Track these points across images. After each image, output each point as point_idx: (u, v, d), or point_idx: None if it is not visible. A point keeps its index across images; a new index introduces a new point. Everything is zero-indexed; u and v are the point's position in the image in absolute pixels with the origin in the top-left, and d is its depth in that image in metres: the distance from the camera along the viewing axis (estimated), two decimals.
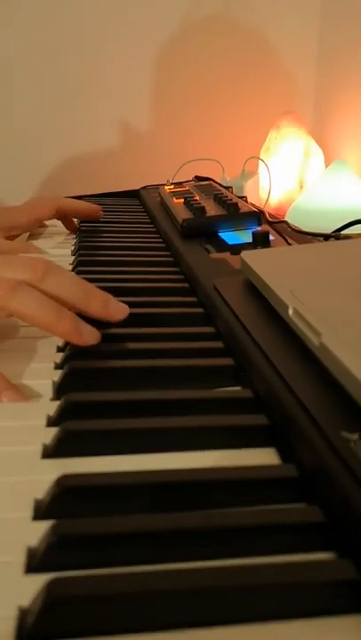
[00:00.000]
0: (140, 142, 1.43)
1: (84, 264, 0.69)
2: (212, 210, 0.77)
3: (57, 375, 0.43)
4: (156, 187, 1.06)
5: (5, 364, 0.45)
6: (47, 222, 0.92)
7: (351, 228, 0.72)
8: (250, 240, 0.67)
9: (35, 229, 0.90)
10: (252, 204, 0.86)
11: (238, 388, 0.42)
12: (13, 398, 0.40)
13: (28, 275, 0.45)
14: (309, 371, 0.36)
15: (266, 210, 0.84)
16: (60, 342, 0.48)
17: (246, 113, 1.43)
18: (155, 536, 0.27)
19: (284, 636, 0.23)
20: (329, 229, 0.72)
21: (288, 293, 0.43)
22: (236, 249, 0.65)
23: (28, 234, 0.88)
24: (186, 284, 0.62)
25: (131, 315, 0.53)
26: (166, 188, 0.97)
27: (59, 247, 0.82)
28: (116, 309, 0.48)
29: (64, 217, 0.90)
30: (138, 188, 1.17)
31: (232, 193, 0.90)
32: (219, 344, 0.47)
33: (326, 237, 0.70)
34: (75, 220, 0.92)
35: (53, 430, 0.35)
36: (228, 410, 0.38)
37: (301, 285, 0.45)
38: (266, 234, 0.66)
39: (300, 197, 1.09)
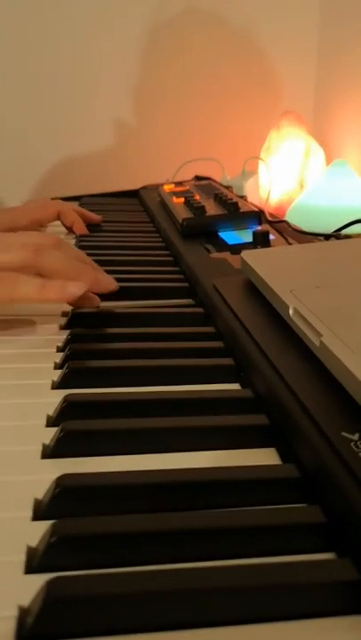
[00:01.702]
0: (139, 142, 1.43)
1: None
2: (212, 209, 0.77)
3: (57, 375, 0.43)
4: (156, 186, 1.06)
5: (6, 363, 0.45)
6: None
7: (352, 227, 0.72)
8: (250, 240, 0.67)
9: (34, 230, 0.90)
10: (253, 204, 0.86)
11: (238, 388, 0.41)
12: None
13: (44, 241, 0.52)
14: (310, 371, 0.36)
15: (266, 209, 0.84)
16: (60, 343, 0.48)
17: (246, 113, 1.43)
18: (154, 536, 0.27)
19: (284, 636, 0.23)
20: (329, 229, 0.72)
21: (288, 293, 0.43)
22: (237, 248, 0.65)
23: None
24: (186, 284, 0.62)
25: (131, 315, 0.53)
26: (166, 187, 0.97)
27: None
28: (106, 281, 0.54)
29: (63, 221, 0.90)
30: (138, 187, 1.17)
31: (232, 192, 0.90)
32: (219, 344, 0.47)
33: (327, 237, 0.70)
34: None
35: (53, 430, 0.35)
36: (228, 410, 0.38)
37: (302, 285, 0.45)
38: (266, 233, 0.66)
39: (300, 197, 1.09)
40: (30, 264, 0.49)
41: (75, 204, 0.95)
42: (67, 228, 0.89)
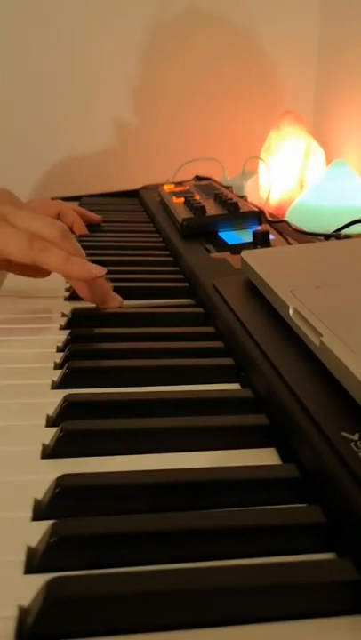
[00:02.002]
0: (139, 142, 1.43)
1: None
2: (212, 209, 0.77)
3: (57, 375, 0.43)
4: (156, 186, 1.06)
5: (6, 363, 0.45)
6: None
7: (352, 227, 0.72)
8: (250, 240, 0.67)
9: None
10: (253, 204, 0.86)
11: (238, 388, 0.41)
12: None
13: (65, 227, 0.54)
14: (310, 371, 0.36)
15: (266, 209, 0.84)
16: (60, 343, 0.48)
17: (246, 113, 1.43)
18: (154, 536, 0.27)
19: (284, 636, 0.23)
20: (329, 229, 0.72)
21: (288, 293, 0.43)
22: (237, 248, 0.65)
23: None
24: (186, 284, 0.62)
25: (131, 314, 0.53)
26: (166, 187, 0.97)
27: None
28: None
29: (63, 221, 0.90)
30: (138, 187, 1.17)
31: (232, 192, 0.90)
32: (219, 344, 0.47)
33: (327, 237, 0.70)
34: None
35: (53, 430, 0.35)
36: (228, 410, 0.38)
37: (302, 285, 0.45)
38: (266, 233, 0.66)
39: (300, 197, 1.09)
40: (57, 243, 0.51)
41: (75, 204, 0.95)
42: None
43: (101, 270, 0.51)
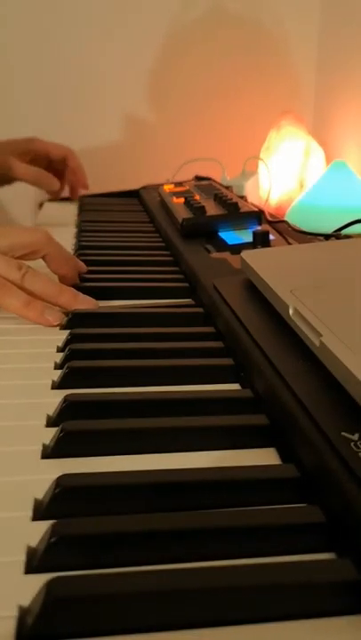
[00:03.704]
0: (140, 142, 1.43)
1: (84, 264, 0.69)
2: (212, 209, 0.77)
3: (57, 375, 0.43)
4: (156, 186, 1.06)
5: (6, 363, 0.45)
6: (45, 221, 0.92)
7: (351, 227, 0.71)
8: (250, 240, 0.67)
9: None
10: (253, 204, 0.86)
11: (238, 388, 0.41)
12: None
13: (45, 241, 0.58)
14: (310, 371, 0.36)
15: (266, 209, 0.84)
16: (60, 343, 0.48)
17: (246, 113, 1.43)
18: (154, 536, 0.27)
19: (284, 636, 0.23)
20: (329, 229, 0.72)
21: (288, 293, 0.43)
22: (237, 248, 0.65)
23: None
24: (186, 284, 0.62)
25: (131, 315, 0.53)
26: (166, 187, 0.97)
27: None
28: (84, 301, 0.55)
29: (35, 158, 0.89)
30: (138, 187, 1.17)
31: (232, 192, 0.90)
32: (219, 344, 0.47)
33: (327, 237, 0.70)
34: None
35: (53, 430, 0.35)
36: (228, 410, 0.38)
37: (302, 285, 0.45)
38: (266, 233, 0.66)
39: (300, 197, 1.09)
40: (18, 283, 0.53)
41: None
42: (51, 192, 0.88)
43: (57, 320, 0.52)
